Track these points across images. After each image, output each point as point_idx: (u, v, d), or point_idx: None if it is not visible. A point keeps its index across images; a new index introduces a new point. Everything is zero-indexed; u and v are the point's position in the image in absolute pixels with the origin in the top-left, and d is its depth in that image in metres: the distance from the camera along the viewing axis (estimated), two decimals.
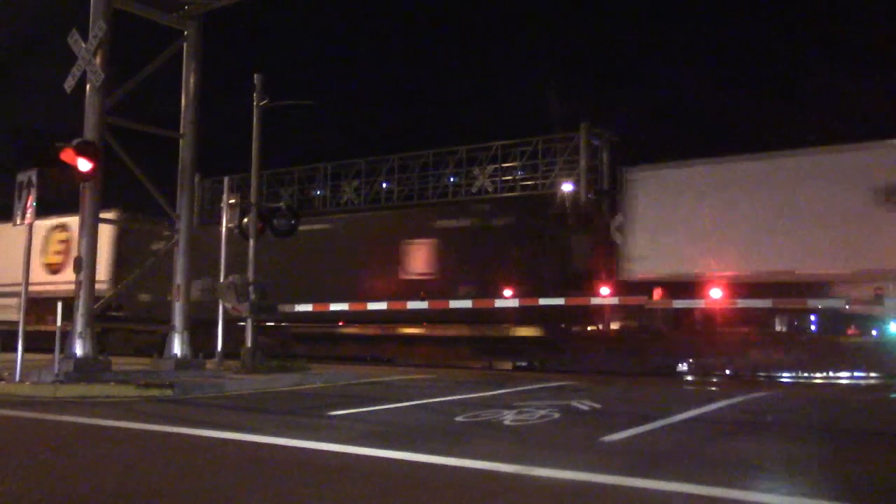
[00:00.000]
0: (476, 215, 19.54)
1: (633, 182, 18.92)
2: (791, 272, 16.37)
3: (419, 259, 18.13)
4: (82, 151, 12.78)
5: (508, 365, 19.01)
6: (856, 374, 16.72)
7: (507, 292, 17.95)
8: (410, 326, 17.33)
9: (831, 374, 16.96)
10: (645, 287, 17.95)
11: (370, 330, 18.92)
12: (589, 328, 19.83)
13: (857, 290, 16.18)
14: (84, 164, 12.78)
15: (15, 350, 12.68)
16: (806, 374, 17.13)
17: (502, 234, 18.02)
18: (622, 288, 18.22)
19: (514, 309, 17.65)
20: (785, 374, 17.31)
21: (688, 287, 17.50)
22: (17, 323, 12.83)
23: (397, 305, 17.56)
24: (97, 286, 21.36)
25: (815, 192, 16.16)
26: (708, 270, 17.34)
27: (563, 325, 19.44)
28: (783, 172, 17.11)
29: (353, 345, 18.99)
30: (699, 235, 17.47)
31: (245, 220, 16.46)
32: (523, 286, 18.07)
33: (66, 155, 12.59)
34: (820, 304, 16.76)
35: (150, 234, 23.38)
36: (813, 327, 18.13)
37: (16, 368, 12.44)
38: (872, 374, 16.39)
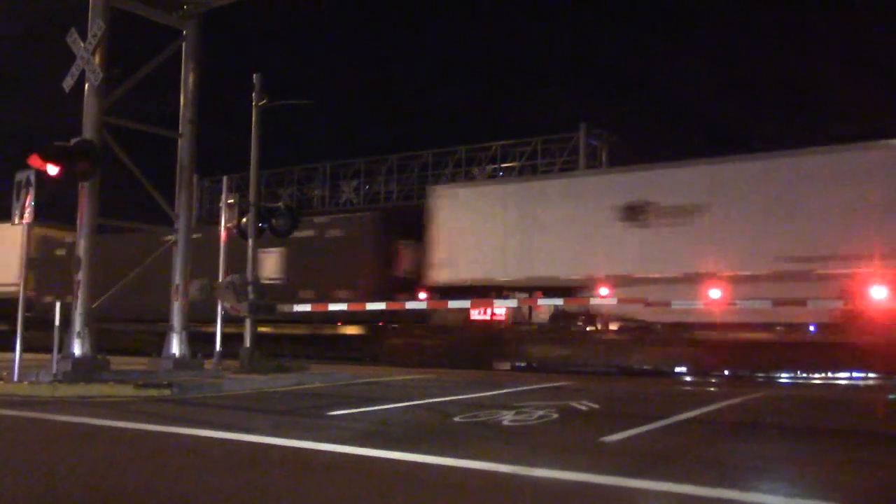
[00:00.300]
0: (317, 227, 21.54)
1: (436, 199, 21.27)
2: (556, 277, 18.98)
3: (270, 265, 20.05)
4: (81, 150, 12.78)
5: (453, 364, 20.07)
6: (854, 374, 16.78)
7: (341, 295, 20.22)
8: (262, 325, 18.48)
9: (830, 374, 17.03)
10: (448, 291, 20.18)
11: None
12: (395, 326, 22.09)
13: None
14: (83, 164, 12.77)
15: (13, 350, 12.68)
16: (805, 375, 17.19)
17: (337, 244, 20.29)
18: (431, 292, 20.38)
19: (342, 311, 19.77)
20: (783, 375, 17.36)
21: (482, 291, 19.87)
22: None
23: None
24: (8, 288, 21.62)
25: (565, 209, 19.32)
26: (496, 277, 20.04)
27: (380, 325, 21.90)
28: (536, 192, 20.37)
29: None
30: (486, 247, 20.06)
31: (244, 219, 16.45)
32: (355, 290, 20.23)
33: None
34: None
35: (53, 239, 24.67)
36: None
37: (14, 368, 12.43)
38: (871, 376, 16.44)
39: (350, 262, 20.00)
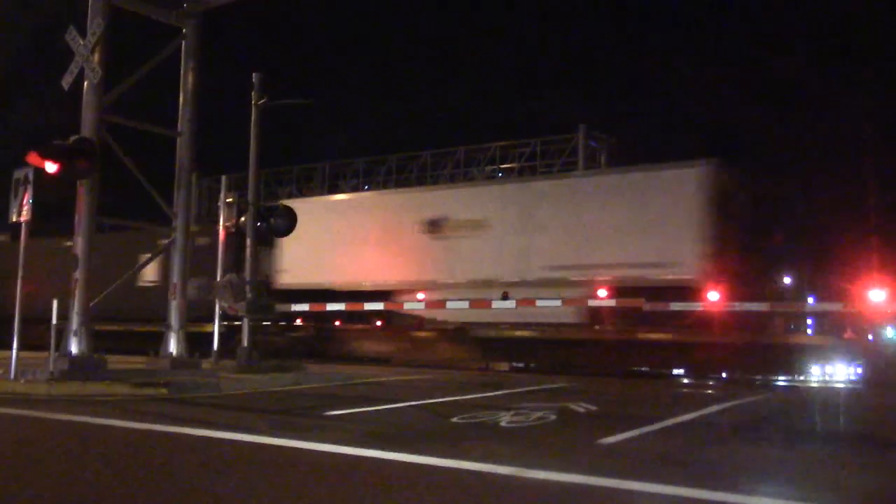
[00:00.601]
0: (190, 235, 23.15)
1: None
2: (378, 282, 21.55)
3: (151, 269, 20.77)
4: (79, 149, 12.75)
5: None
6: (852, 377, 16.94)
7: None
8: (145, 326, 19.93)
9: (827, 377, 17.21)
10: (291, 294, 22.27)
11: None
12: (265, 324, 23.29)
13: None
14: (81, 162, 12.74)
15: (10, 347, 12.65)
16: (801, 378, 17.33)
17: (204, 250, 20.94)
18: (277, 295, 21.70)
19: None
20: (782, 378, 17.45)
21: (319, 295, 21.74)
22: None
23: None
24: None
25: (380, 222, 21.76)
26: (330, 281, 22.29)
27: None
28: (356, 205, 23.33)
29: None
30: (320, 255, 22.07)
31: (242, 219, 16.43)
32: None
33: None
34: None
35: None
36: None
37: (11, 366, 12.40)
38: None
39: (213, 267, 21.12)
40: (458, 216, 20.56)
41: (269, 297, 17.81)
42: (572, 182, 20.87)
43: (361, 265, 21.90)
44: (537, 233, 19.41)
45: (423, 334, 21.83)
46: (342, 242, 22.45)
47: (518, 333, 20.14)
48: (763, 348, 17.78)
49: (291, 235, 19.50)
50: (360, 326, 23.24)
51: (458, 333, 20.76)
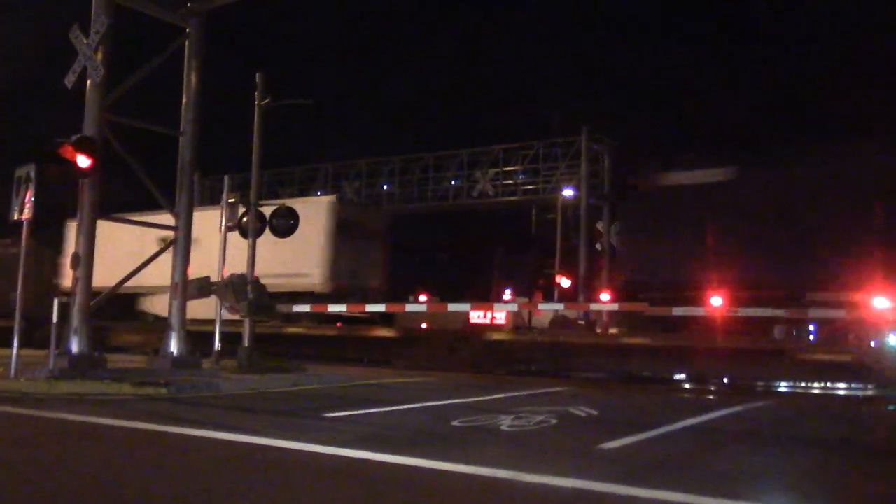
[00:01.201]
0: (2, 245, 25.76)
1: (70, 228, 23.00)
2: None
3: None
4: (81, 147, 12.72)
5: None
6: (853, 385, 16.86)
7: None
8: None
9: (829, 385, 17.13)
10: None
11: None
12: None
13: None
14: (83, 161, 12.72)
15: (10, 346, 12.64)
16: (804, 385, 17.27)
17: (13, 259, 21.89)
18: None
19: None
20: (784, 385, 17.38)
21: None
22: None
23: None
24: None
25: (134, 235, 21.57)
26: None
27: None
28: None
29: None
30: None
31: (244, 219, 16.43)
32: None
33: (66, 151, 12.53)
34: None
35: None
36: None
37: (11, 364, 12.38)
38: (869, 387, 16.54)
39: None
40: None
41: (272, 297, 17.80)
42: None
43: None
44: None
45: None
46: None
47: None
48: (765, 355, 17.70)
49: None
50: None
51: None
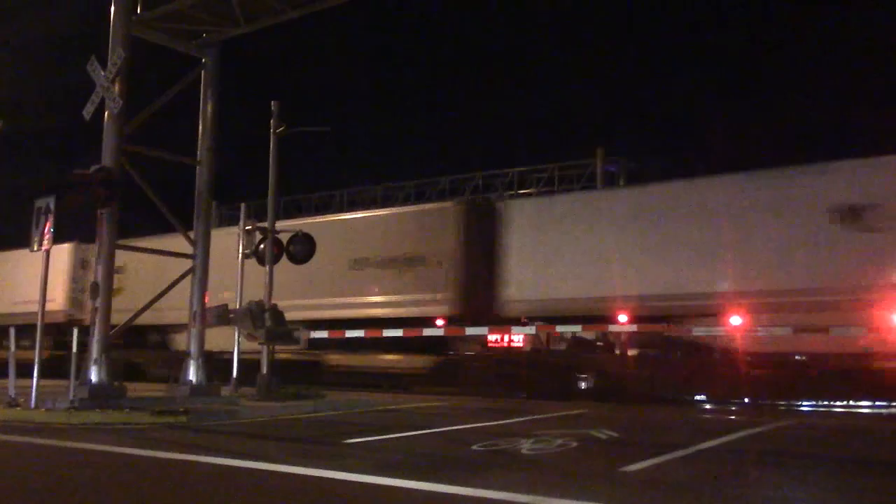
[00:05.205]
0: None
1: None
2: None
3: None
4: (100, 178, 12.86)
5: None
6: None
7: None
8: None
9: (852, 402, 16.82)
10: None
11: None
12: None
13: None
14: (102, 191, 12.86)
15: (31, 376, 12.70)
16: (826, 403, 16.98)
17: None
18: None
19: None
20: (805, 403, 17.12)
21: None
22: None
23: None
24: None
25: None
26: None
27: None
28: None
29: None
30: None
31: (261, 246, 16.50)
32: None
33: (85, 181, 12.63)
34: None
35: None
36: None
37: (31, 394, 12.43)
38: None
39: None
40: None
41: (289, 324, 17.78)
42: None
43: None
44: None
45: None
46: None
47: None
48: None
49: None
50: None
51: None
